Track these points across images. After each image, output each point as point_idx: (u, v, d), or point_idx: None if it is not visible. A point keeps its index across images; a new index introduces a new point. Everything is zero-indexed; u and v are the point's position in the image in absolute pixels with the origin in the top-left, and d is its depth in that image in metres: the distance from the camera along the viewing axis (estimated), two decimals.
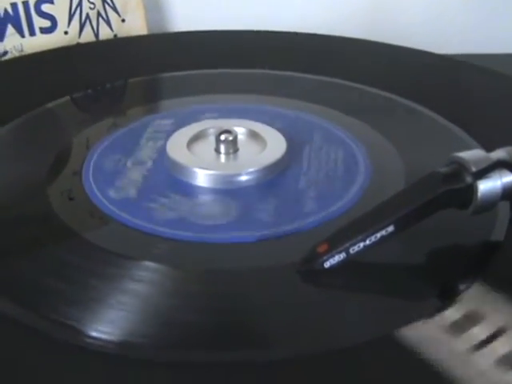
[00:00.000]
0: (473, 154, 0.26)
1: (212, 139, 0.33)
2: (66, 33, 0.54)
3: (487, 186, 0.25)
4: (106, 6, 0.55)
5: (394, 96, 0.41)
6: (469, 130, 0.36)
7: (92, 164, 0.33)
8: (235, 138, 0.33)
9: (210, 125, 0.35)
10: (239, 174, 0.31)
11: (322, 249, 0.25)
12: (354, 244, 0.25)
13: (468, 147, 0.28)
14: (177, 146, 0.33)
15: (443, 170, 0.26)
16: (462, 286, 0.25)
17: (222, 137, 0.32)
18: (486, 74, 0.44)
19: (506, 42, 0.58)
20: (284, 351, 0.22)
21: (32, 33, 0.53)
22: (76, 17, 0.54)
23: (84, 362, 0.21)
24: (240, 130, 0.34)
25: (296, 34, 0.52)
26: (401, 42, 0.48)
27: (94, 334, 0.22)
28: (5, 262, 0.27)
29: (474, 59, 0.46)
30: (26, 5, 0.52)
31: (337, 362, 0.21)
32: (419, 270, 0.26)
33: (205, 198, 0.30)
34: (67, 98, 0.42)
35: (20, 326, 0.23)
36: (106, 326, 0.23)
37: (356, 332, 0.23)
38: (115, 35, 0.56)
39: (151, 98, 0.45)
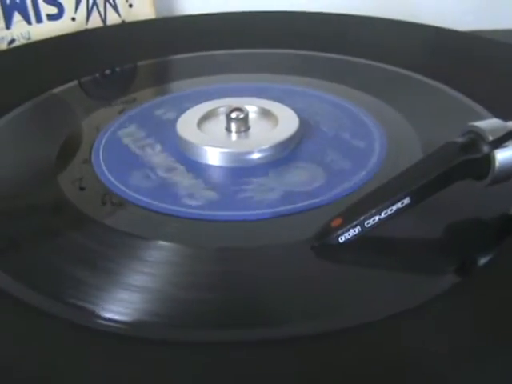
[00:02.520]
0: (489, 123, 0.25)
1: (223, 118, 0.33)
2: (73, 19, 0.54)
3: (505, 155, 0.25)
4: None
5: (405, 71, 0.40)
6: (484, 104, 0.35)
7: (102, 147, 0.33)
8: (246, 115, 0.32)
9: (221, 103, 0.34)
10: (251, 152, 0.31)
11: (336, 223, 0.24)
12: (369, 218, 0.24)
13: (483, 119, 0.27)
14: (187, 125, 0.33)
15: (459, 139, 0.25)
16: (480, 261, 0.24)
17: (233, 115, 0.32)
18: (498, 47, 0.43)
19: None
20: (299, 328, 0.21)
21: (39, 20, 0.52)
22: (83, 3, 0.54)
23: (96, 343, 0.21)
24: (251, 109, 0.34)
25: (305, 14, 0.51)
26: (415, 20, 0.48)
27: (107, 315, 0.22)
28: (17, 247, 0.26)
29: (485, 35, 0.45)
30: None
31: (352, 339, 0.21)
32: (436, 245, 0.25)
33: (216, 177, 0.30)
34: (75, 82, 0.42)
35: (32, 309, 0.22)
36: (119, 306, 0.22)
37: (372, 308, 0.22)
38: (123, 21, 0.56)
39: (159, 81, 0.45)
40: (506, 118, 0.26)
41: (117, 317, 0.22)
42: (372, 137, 0.33)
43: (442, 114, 0.35)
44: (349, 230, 0.24)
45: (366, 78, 0.40)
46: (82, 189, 0.30)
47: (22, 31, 0.52)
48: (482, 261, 0.24)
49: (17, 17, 0.51)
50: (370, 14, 0.50)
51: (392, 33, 0.47)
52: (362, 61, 0.43)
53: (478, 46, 0.44)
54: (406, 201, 0.24)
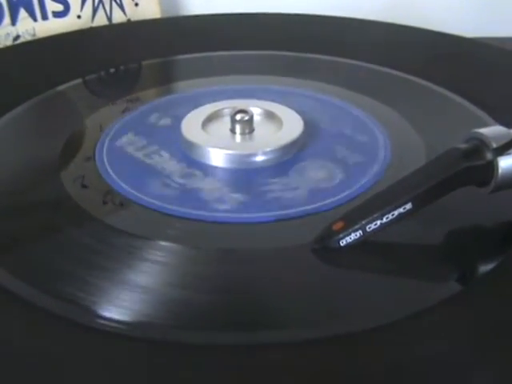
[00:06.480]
0: (493, 130, 0.25)
1: (227, 120, 0.33)
2: (78, 17, 0.54)
3: (508, 162, 0.25)
4: None
5: (410, 76, 0.40)
6: (489, 111, 0.35)
7: (106, 146, 0.33)
8: (251, 117, 0.32)
9: (225, 105, 0.34)
10: (255, 154, 0.31)
11: (337, 226, 0.24)
12: (371, 222, 0.24)
13: (487, 126, 0.27)
14: (191, 127, 0.33)
15: (463, 146, 0.25)
16: (481, 269, 0.24)
17: (238, 117, 0.32)
18: (503, 54, 0.43)
19: None
20: (301, 332, 0.21)
21: (44, 17, 0.52)
22: (89, 1, 0.54)
23: (96, 343, 0.21)
24: (256, 111, 0.34)
25: (310, 16, 0.51)
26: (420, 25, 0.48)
27: (106, 314, 0.22)
28: (19, 245, 0.26)
29: (491, 42, 0.46)
30: None
31: (349, 344, 0.21)
32: (439, 251, 0.25)
33: (220, 179, 0.30)
34: (80, 80, 0.42)
35: (33, 307, 0.22)
36: (119, 306, 0.22)
37: (370, 314, 0.22)
38: (128, 19, 0.56)
39: (163, 81, 0.45)
40: (509, 126, 0.26)
41: (114, 316, 0.22)
42: (376, 141, 0.33)
43: (445, 120, 0.35)
44: (350, 234, 0.24)
45: (369, 82, 0.40)
46: (84, 186, 0.30)
47: (28, 28, 0.52)
48: (483, 269, 0.24)
49: (22, 13, 0.51)
50: (376, 18, 0.50)
51: (397, 37, 0.47)
52: (365, 64, 0.43)
53: (483, 52, 0.44)
54: (408, 206, 0.24)
